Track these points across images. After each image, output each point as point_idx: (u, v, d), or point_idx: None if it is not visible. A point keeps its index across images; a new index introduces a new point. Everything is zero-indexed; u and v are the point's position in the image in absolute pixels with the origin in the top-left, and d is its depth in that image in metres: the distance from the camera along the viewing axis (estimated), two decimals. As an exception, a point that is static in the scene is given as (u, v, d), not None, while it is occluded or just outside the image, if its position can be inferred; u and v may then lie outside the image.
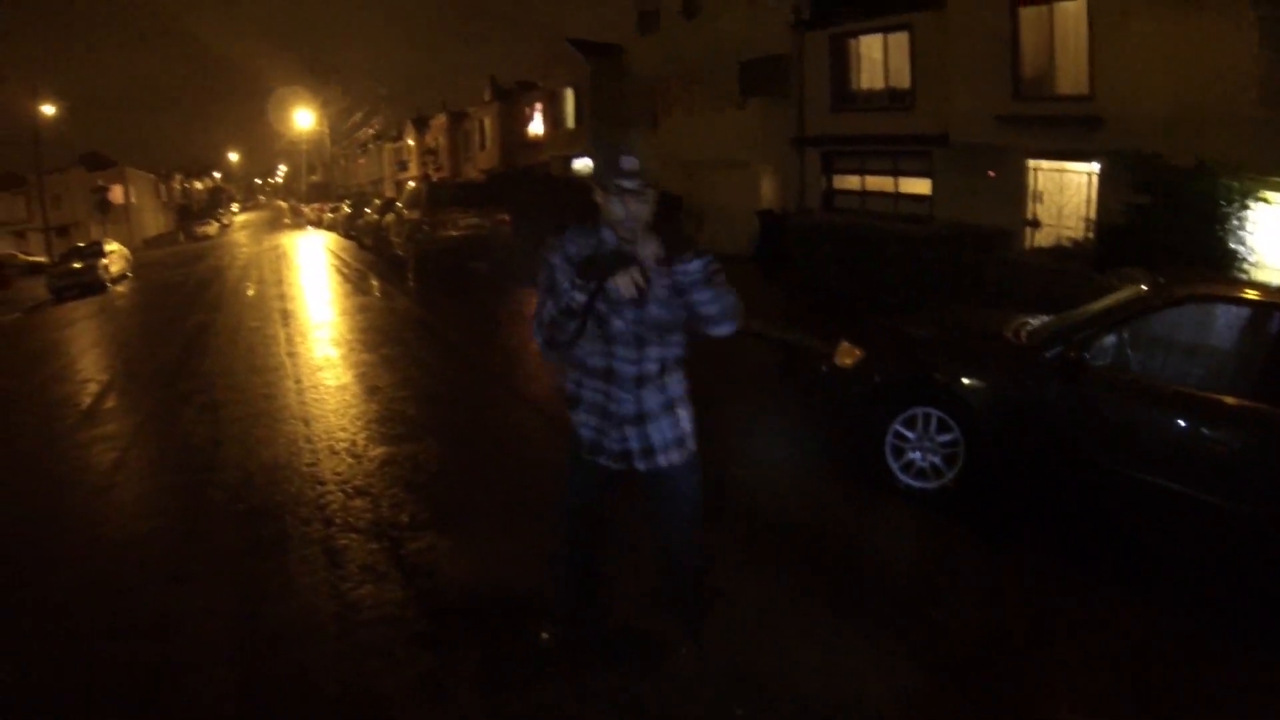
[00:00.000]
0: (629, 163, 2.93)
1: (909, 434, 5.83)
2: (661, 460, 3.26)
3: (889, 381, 6.06)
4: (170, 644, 4.18)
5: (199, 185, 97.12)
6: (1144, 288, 5.69)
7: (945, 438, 5.70)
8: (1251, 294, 5.29)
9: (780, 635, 4.00)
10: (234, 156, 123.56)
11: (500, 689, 3.67)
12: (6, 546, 5.80)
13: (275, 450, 7.13)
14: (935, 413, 5.72)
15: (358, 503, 5.81)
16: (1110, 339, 5.41)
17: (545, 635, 3.86)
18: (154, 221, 70.42)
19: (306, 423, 7.85)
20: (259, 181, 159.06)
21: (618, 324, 3.15)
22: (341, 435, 7.38)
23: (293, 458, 6.88)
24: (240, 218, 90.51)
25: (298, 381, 9.53)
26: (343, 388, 9.12)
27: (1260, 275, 11.78)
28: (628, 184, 2.94)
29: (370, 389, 9.00)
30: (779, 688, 3.59)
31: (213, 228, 65.22)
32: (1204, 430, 4.81)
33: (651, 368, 3.22)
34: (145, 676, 3.91)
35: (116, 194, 55.77)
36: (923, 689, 3.66)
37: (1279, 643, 4.16)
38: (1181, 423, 4.93)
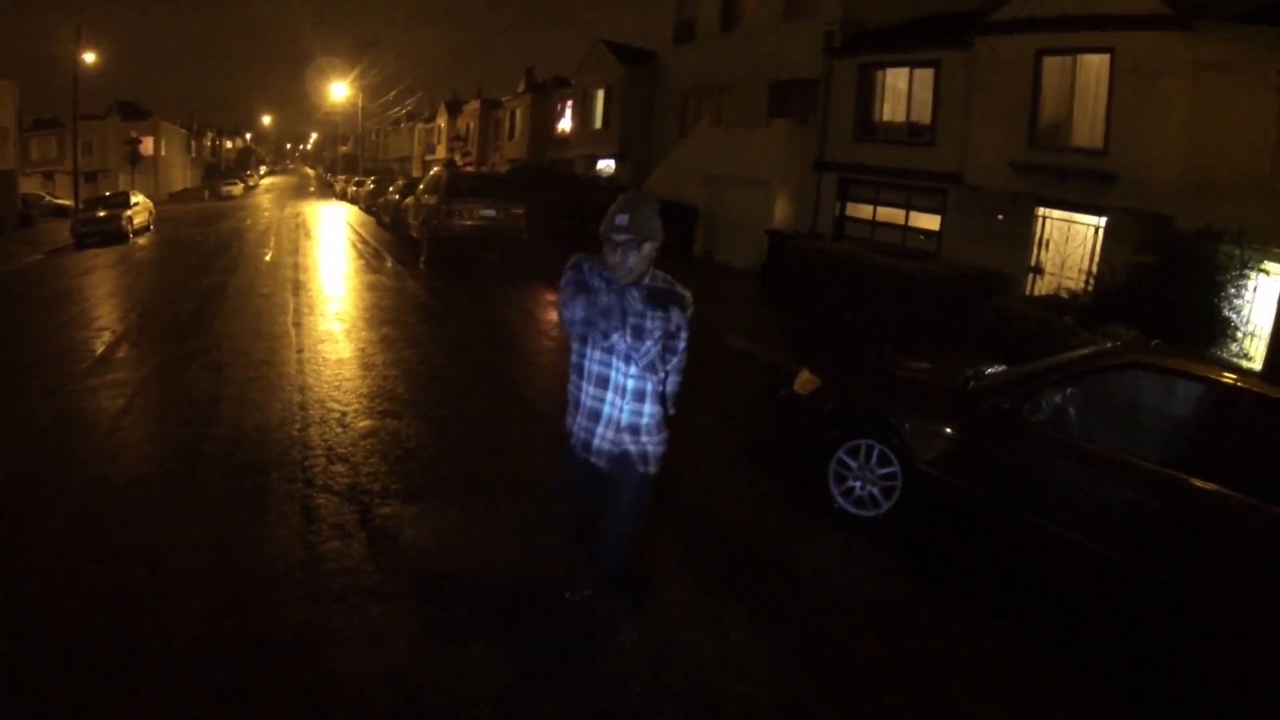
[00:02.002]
0: (620, 220, 3.61)
1: (852, 463, 6.26)
2: (624, 471, 3.91)
3: (838, 412, 6.51)
4: (154, 574, 4.66)
5: (229, 144, 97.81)
6: (1095, 349, 6.09)
7: (885, 470, 6.12)
8: (1193, 367, 5.51)
9: (695, 631, 4.47)
10: (267, 119, 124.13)
11: (434, 640, 4.17)
12: (16, 477, 6.27)
13: (269, 413, 7.63)
14: (878, 446, 6.15)
15: (338, 468, 6.31)
16: (1053, 395, 5.76)
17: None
18: (181, 176, 71.20)
19: (301, 390, 8.35)
20: (289, 146, 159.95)
21: (619, 343, 3.77)
22: (332, 405, 7.87)
23: (284, 422, 7.38)
24: (267, 180, 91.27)
25: (300, 351, 10.03)
26: (340, 361, 9.62)
27: (1253, 345, 12.10)
28: (617, 237, 3.61)
29: (366, 365, 9.50)
30: (681, 672, 4.08)
31: (238, 188, 65.86)
32: (1114, 491, 5.12)
33: (646, 386, 3.85)
34: (129, 599, 4.39)
35: (147, 146, 56.48)
36: (804, 698, 4.10)
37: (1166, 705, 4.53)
38: (1093, 481, 5.24)
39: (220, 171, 78.89)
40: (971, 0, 21.28)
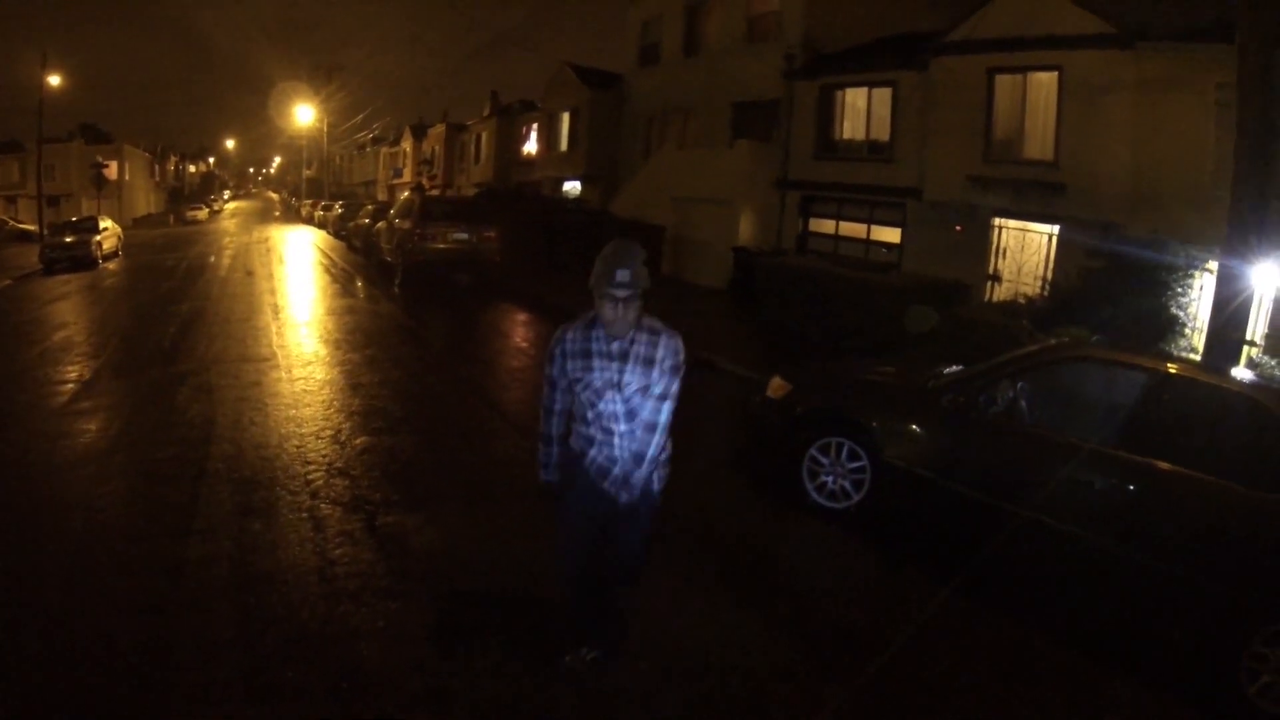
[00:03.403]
0: (622, 275, 3.56)
1: (823, 459, 6.75)
2: (634, 499, 3.90)
3: (809, 413, 6.97)
4: (177, 584, 4.97)
5: (193, 169, 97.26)
6: (1041, 346, 6.64)
7: (854, 465, 6.61)
8: (1126, 358, 6.13)
9: (689, 616, 4.88)
10: (230, 143, 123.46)
11: (450, 635, 4.53)
12: (30, 495, 6.55)
13: (266, 432, 7.93)
14: (847, 443, 6.64)
15: (339, 481, 6.64)
16: (1005, 389, 6.21)
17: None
18: (145, 201, 70.73)
19: (295, 409, 8.65)
20: (252, 170, 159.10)
21: (607, 410, 3.80)
22: (326, 424, 8.19)
23: (282, 440, 7.69)
24: (231, 205, 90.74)
25: (288, 372, 10.31)
26: (329, 381, 9.93)
27: (1200, 341, 12.68)
28: (619, 293, 3.58)
29: (354, 385, 9.81)
30: (683, 650, 4.48)
31: (203, 213, 65.46)
32: (1061, 470, 5.61)
33: (639, 433, 3.82)
34: (156, 609, 4.69)
35: (112, 170, 56.15)
36: (797, 664, 4.55)
37: (1117, 660, 5.06)
38: (1042, 463, 5.77)
39: (184, 196, 78.42)
40: (927, 21, 21.99)
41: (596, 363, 3.76)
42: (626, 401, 3.78)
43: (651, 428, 3.81)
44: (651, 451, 3.83)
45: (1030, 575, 5.90)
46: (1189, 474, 5.22)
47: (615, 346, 3.74)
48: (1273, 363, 12.43)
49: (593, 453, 3.89)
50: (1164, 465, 5.32)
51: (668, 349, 3.75)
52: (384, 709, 3.88)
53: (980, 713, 4.37)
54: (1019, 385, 6.27)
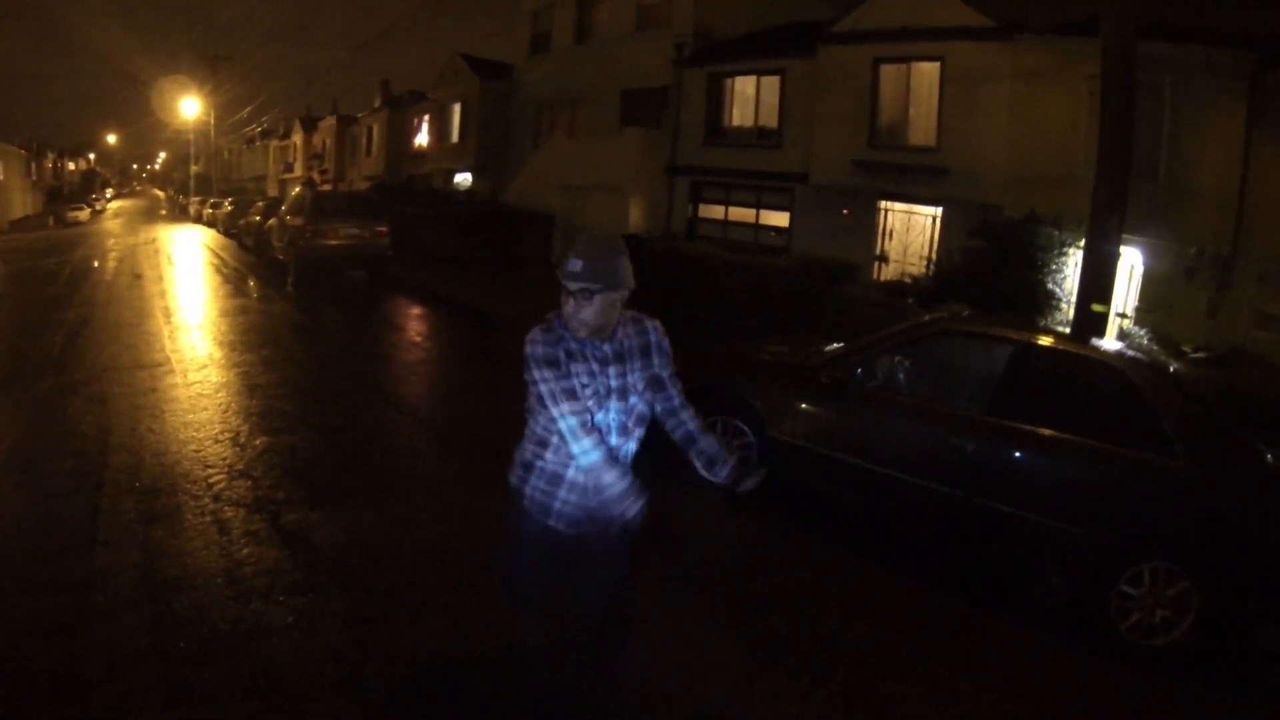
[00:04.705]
0: (574, 266, 3.12)
1: (707, 436, 7.07)
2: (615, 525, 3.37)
3: (693, 391, 7.26)
4: (85, 597, 4.97)
5: (72, 166, 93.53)
6: (914, 321, 7.10)
7: (740, 441, 6.97)
8: (990, 329, 6.70)
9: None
10: (112, 139, 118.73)
11: (363, 624, 4.70)
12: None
13: (164, 438, 7.89)
14: (734, 421, 7.00)
15: (241, 483, 6.71)
16: (881, 362, 6.66)
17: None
18: (21, 202, 67.39)
19: (192, 414, 8.62)
20: (135, 167, 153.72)
21: (606, 418, 3.32)
22: (225, 426, 8.20)
23: (181, 445, 7.68)
24: (114, 204, 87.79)
25: (183, 377, 10.21)
26: (225, 384, 9.89)
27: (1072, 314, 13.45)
28: (570, 285, 3.13)
29: (251, 386, 9.80)
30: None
31: (85, 213, 63.21)
32: (934, 436, 6.17)
33: (631, 448, 3.47)
34: (68, 623, 4.68)
35: (-16, 170, 53.74)
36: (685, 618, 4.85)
37: (1004, 609, 5.54)
38: (916, 430, 6.31)
39: (63, 196, 75.16)
40: (815, 10, 22.60)
41: (594, 367, 3.28)
42: (628, 409, 3.39)
43: (644, 421, 3.50)
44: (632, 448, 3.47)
45: (916, 536, 6.48)
46: (1052, 434, 5.74)
47: (609, 349, 3.32)
48: (1141, 332, 13.25)
49: (562, 495, 3.42)
50: (1028, 427, 5.83)
51: (657, 331, 3.47)
52: (301, 701, 4.03)
53: (871, 661, 4.76)
54: (895, 359, 6.70)
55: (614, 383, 3.32)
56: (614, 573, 3.62)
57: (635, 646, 4.10)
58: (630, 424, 3.41)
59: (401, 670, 4.30)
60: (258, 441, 7.77)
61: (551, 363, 3.20)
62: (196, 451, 7.49)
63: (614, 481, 3.18)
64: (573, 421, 3.19)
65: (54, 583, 5.18)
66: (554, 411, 3.20)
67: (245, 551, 5.50)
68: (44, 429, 8.47)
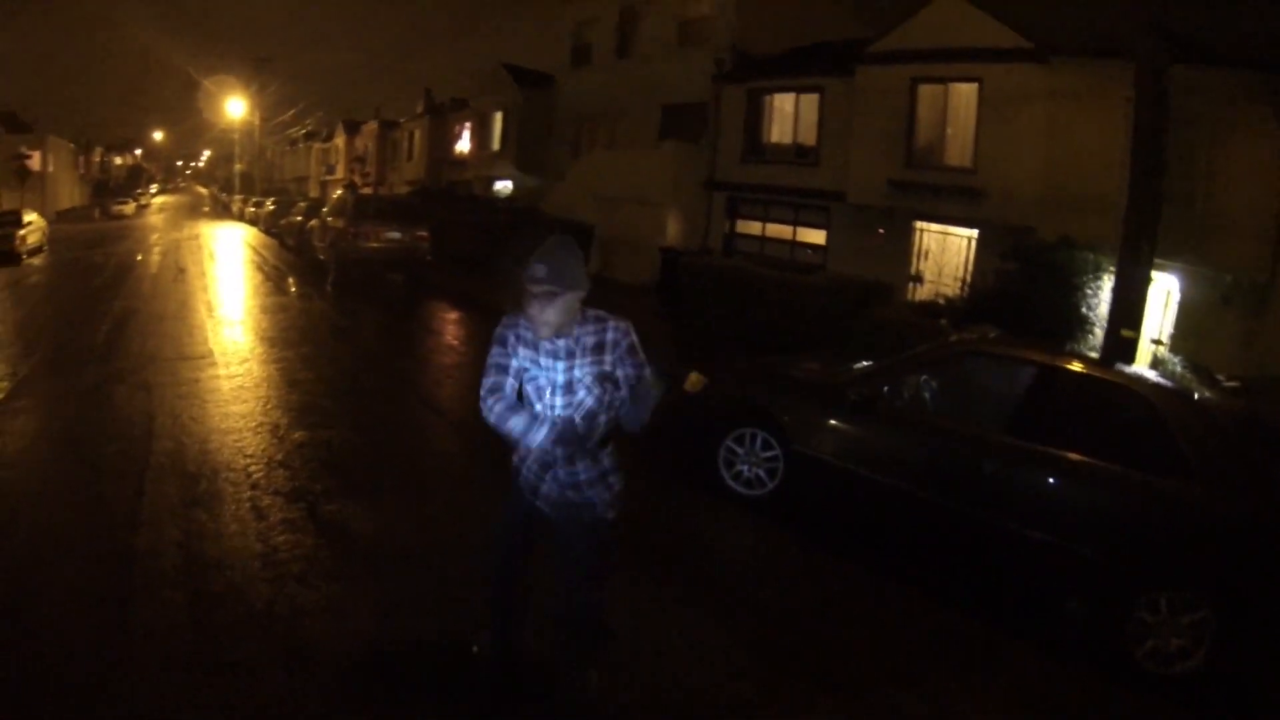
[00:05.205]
0: (537, 270, 3.31)
1: (738, 449, 7.24)
2: (593, 513, 3.68)
3: (725, 405, 7.45)
4: (130, 572, 5.20)
5: (119, 161, 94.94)
6: (940, 341, 7.20)
7: (768, 454, 7.12)
8: (1015, 351, 6.74)
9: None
10: (159, 135, 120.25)
11: (393, 614, 4.89)
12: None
13: (206, 427, 8.15)
14: (761, 433, 7.14)
15: (280, 473, 6.93)
16: (908, 381, 6.81)
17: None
18: (69, 194, 68.50)
19: (233, 405, 8.87)
20: (180, 164, 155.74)
21: (550, 406, 3.56)
22: (264, 419, 8.45)
23: (223, 435, 7.93)
24: (158, 199, 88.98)
25: (225, 369, 10.51)
26: (265, 378, 10.15)
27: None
28: (534, 289, 3.33)
29: (291, 381, 10.06)
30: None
31: (130, 207, 64.04)
32: (957, 455, 6.25)
33: (585, 444, 3.61)
34: (112, 594, 4.93)
35: (35, 161, 54.48)
36: (708, 635, 5.00)
37: (1024, 631, 5.61)
38: (939, 449, 6.39)
39: (110, 189, 76.25)
40: (854, 29, 22.69)
41: (543, 360, 3.54)
42: (574, 405, 3.55)
43: (572, 459, 3.64)
44: (566, 478, 3.67)
45: (933, 554, 6.50)
46: (1073, 457, 5.80)
47: (561, 344, 3.51)
48: (1175, 359, 13.22)
49: (526, 463, 3.76)
50: (1049, 450, 5.90)
51: (618, 330, 3.53)
52: (329, 676, 4.21)
53: (897, 681, 4.82)
54: (922, 379, 6.80)
55: (560, 377, 3.53)
56: (583, 570, 3.80)
57: (604, 648, 4.21)
58: (578, 419, 3.56)
59: (427, 656, 4.49)
60: (296, 435, 7.99)
61: (500, 341, 3.60)
62: (237, 442, 7.72)
63: (517, 423, 3.50)
64: (487, 384, 3.57)
65: (100, 557, 5.42)
66: (483, 380, 3.59)
67: (282, 538, 5.70)
68: (91, 415, 8.77)
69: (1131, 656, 5.33)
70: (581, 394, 3.53)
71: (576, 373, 3.52)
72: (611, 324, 3.55)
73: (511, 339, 3.59)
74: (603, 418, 3.61)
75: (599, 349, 3.52)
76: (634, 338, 3.57)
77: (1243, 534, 5.31)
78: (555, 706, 4.07)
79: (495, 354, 3.61)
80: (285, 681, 4.15)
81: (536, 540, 3.95)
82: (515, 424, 3.50)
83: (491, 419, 3.55)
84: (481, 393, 3.58)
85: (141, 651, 4.35)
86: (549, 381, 3.54)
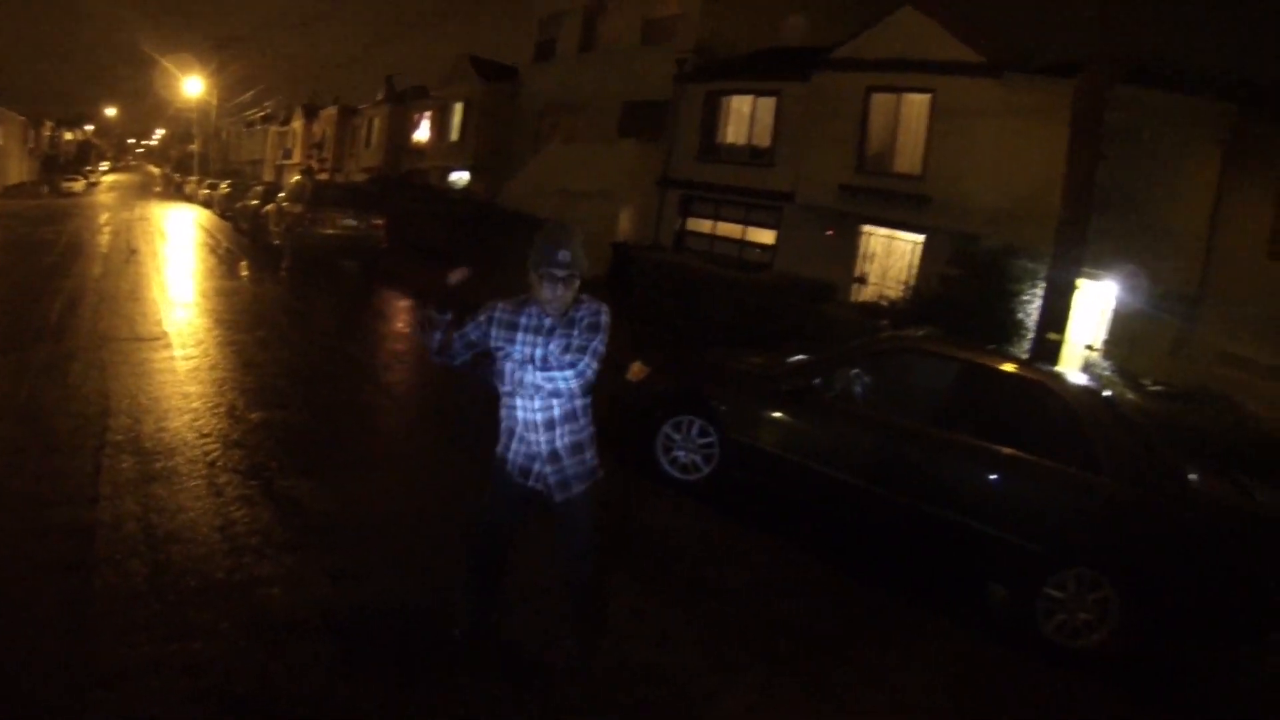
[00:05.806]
0: (564, 256, 3.71)
1: (676, 436, 7.66)
2: (574, 490, 4.13)
3: (663, 393, 7.81)
4: (90, 544, 5.35)
5: (69, 136, 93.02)
6: (870, 337, 7.63)
7: (704, 440, 7.53)
8: (940, 348, 7.18)
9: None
10: (112, 112, 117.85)
11: (348, 579, 5.16)
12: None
13: (163, 406, 8.30)
14: (698, 420, 7.55)
15: (236, 452, 7.14)
16: (840, 374, 7.19)
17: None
18: (18, 169, 66.85)
19: (189, 386, 9.03)
20: (132, 141, 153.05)
21: (526, 379, 3.95)
22: (220, 399, 8.62)
23: (179, 414, 8.08)
24: (109, 178, 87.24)
25: (181, 350, 10.61)
26: (220, 360, 10.29)
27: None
28: (559, 273, 3.74)
29: (245, 363, 10.22)
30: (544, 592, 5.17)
31: (79, 184, 62.67)
32: (883, 444, 6.72)
33: (557, 414, 4.01)
34: (71, 563, 5.09)
35: (-18, 135, 53.40)
36: (647, 607, 5.30)
37: (941, 608, 6.00)
38: (867, 438, 6.85)
39: (59, 165, 74.65)
40: (816, 35, 23.11)
41: (520, 335, 3.92)
42: (547, 377, 3.87)
43: (549, 425, 4.00)
44: (542, 450, 4.04)
45: (862, 538, 7.04)
46: (993, 448, 6.29)
47: (548, 322, 3.88)
48: (1105, 364, 13.78)
49: (514, 446, 4.11)
50: (971, 440, 6.40)
51: (589, 309, 3.89)
52: (287, 641, 4.46)
53: (828, 654, 5.22)
54: (854, 372, 7.18)
55: (538, 351, 3.90)
56: (577, 547, 4.26)
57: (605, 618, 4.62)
58: (548, 391, 3.95)
59: (385, 621, 4.77)
60: (251, 415, 8.20)
61: (475, 317, 4.07)
62: (194, 421, 7.90)
63: (426, 336, 4.13)
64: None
65: (58, 528, 5.56)
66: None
67: (240, 513, 5.94)
68: (46, 391, 8.78)
69: (1041, 631, 5.87)
70: (554, 368, 3.86)
71: (551, 346, 3.87)
72: (588, 305, 3.94)
73: (484, 319, 4.04)
74: (578, 388, 3.97)
75: (570, 324, 3.89)
76: (605, 318, 3.94)
77: (1144, 521, 5.83)
78: (548, 683, 4.40)
79: (468, 324, 4.06)
80: (246, 646, 4.39)
81: (527, 522, 4.41)
82: (425, 339, 4.13)
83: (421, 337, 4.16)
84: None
85: (105, 617, 4.54)
86: (528, 353, 3.92)
